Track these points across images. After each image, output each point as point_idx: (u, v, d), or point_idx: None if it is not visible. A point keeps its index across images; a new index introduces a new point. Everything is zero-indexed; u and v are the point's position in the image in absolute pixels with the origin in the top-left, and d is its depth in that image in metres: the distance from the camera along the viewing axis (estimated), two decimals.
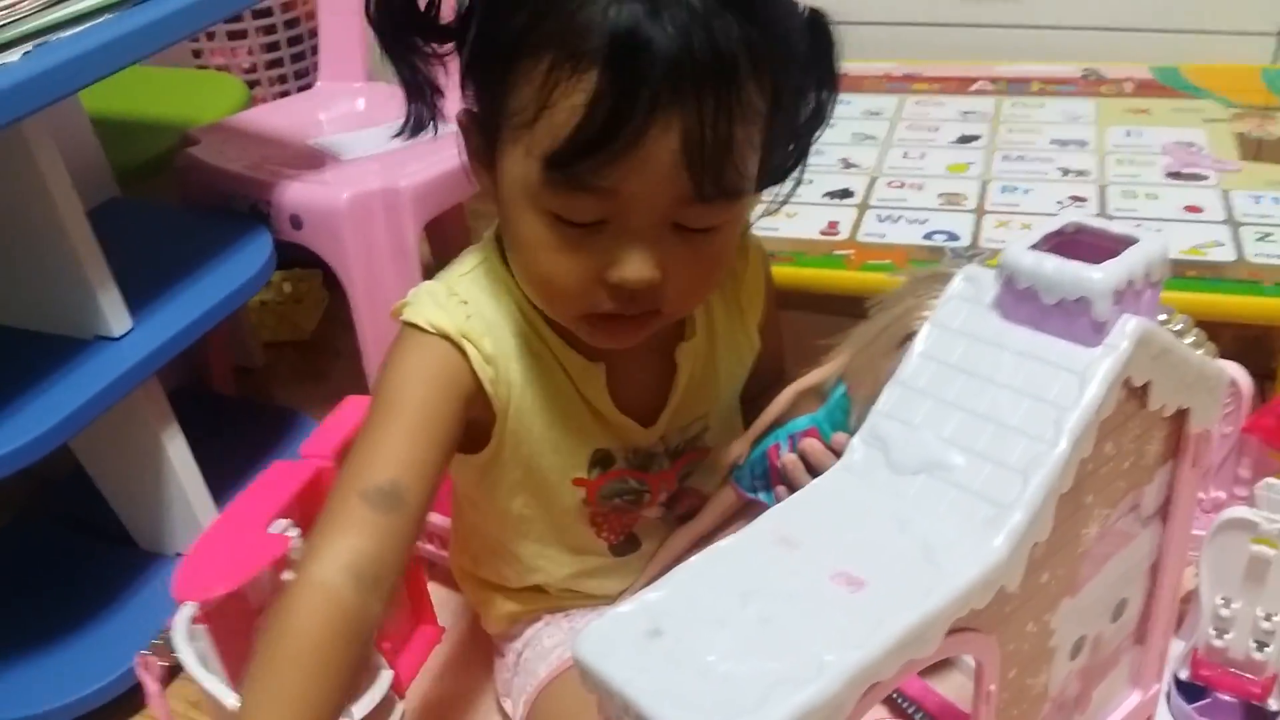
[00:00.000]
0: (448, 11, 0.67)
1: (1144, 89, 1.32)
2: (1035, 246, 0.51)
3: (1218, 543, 0.81)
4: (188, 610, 0.72)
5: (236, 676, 0.71)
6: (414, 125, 0.69)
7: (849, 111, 1.30)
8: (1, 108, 0.76)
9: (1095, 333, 0.48)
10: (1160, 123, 1.23)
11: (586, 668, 0.43)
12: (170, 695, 0.84)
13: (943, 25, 1.47)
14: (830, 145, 1.21)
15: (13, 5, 0.84)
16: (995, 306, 0.52)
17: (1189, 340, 0.82)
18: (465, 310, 0.69)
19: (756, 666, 0.42)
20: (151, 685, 0.78)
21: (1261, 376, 0.87)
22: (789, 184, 0.72)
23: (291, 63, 1.65)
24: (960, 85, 1.37)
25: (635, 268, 0.61)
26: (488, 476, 0.74)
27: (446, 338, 0.67)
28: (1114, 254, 0.49)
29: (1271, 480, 0.79)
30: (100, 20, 0.88)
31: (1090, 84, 1.33)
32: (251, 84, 1.58)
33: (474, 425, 0.71)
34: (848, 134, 1.25)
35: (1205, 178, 1.10)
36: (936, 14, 1.47)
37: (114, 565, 1.08)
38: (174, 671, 0.83)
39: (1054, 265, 0.49)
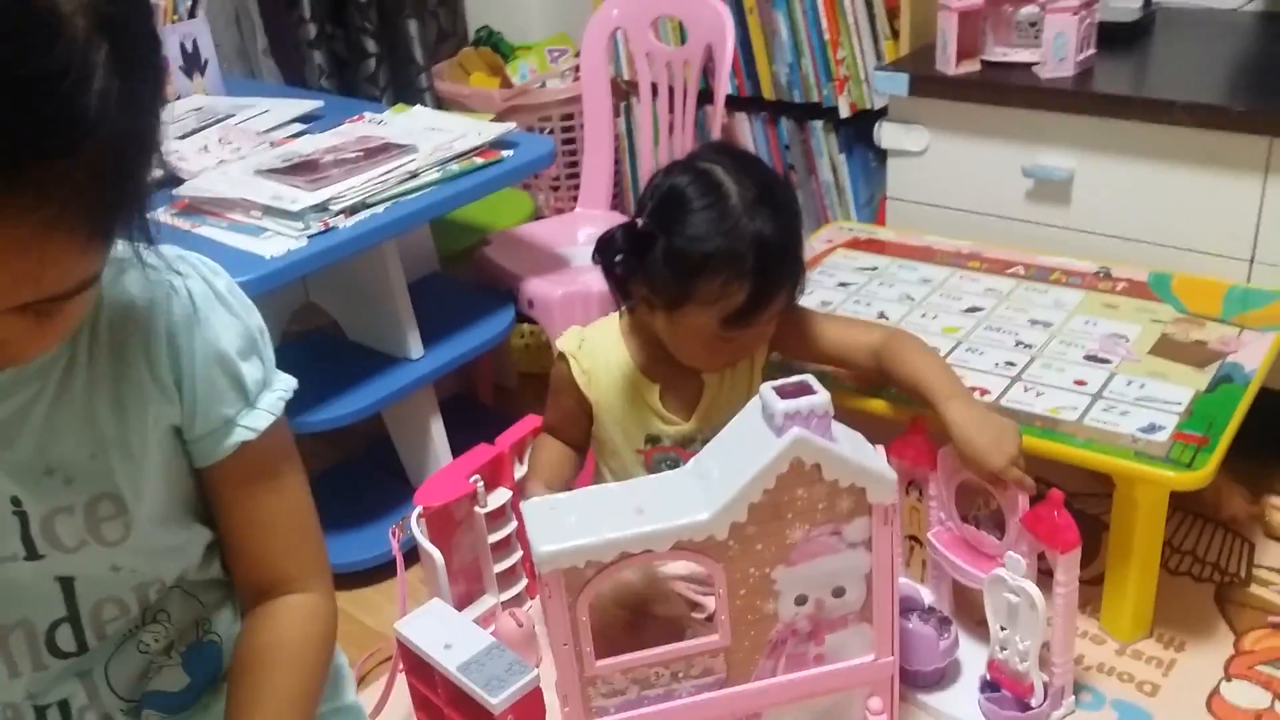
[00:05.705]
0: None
1: (1132, 289, 1.58)
2: (776, 388, 1.05)
3: (990, 590, 1.27)
4: (418, 510, 1.39)
5: (439, 547, 1.37)
6: (620, 307, 1.35)
7: (909, 276, 1.70)
8: (370, 238, 1.47)
9: (778, 432, 1.03)
10: (1117, 317, 1.51)
11: (527, 517, 1.04)
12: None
13: (1010, 219, 1.76)
14: (880, 300, 1.64)
15: (383, 179, 1.54)
16: (760, 409, 1.06)
17: None
18: (580, 344, 1.36)
19: (582, 527, 1.01)
20: (395, 546, 1.44)
21: None
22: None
23: (567, 183, 2.35)
24: (1002, 267, 1.68)
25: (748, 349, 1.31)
26: (597, 441, 1.39)
27: (563, 357, 1.35)
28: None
29: (1011, 553, 1.24)
30: (431, 189, 1.58)
31: (1095, 279, 1.62)
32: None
33: (589, 410, 1.36)
34: (897, 294, 1.65)
35: (1109, 362, 1.42)
36: (1005, 209, 1.76)
37: (394, 489, 1.76)
38: (408, 558, 1.45)
39: (771, 396, 1.04)
